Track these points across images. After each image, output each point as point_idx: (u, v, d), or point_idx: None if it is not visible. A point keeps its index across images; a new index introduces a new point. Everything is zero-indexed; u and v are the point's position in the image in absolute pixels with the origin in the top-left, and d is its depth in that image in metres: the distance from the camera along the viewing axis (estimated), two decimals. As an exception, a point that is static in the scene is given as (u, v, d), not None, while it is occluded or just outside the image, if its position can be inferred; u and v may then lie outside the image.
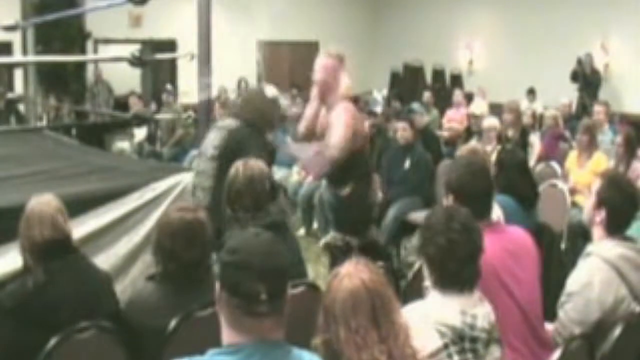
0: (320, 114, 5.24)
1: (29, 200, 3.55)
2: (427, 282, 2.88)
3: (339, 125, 4.96)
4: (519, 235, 3.53)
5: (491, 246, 2.99)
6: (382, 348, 2.31)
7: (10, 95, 12.15)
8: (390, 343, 2.33)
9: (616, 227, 3.57)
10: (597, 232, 3.60)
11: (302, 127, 5.37)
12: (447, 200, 3.48)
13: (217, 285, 2.20)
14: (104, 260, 4.67)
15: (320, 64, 5.17)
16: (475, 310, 2.75)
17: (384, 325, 2.34)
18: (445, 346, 2.67)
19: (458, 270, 2.78)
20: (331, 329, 2.34)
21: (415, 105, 10.71)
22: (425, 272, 2.89)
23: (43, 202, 3.46)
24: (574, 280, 3.47)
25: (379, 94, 15.83)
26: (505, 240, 3.38)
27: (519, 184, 5.11)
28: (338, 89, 5.13)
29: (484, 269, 2.87)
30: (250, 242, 2.24)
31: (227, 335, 2.19)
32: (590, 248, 3.57)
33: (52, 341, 3.04)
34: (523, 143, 8.53)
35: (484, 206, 3.46)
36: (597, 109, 9.73)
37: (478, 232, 2.86)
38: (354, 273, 2.37)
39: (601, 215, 3.55)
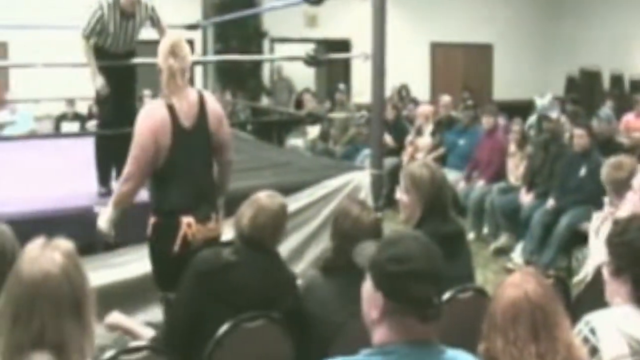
0: None
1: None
2: (617, 297, 2.73)
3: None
4: None
5: None
6: None
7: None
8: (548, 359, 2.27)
9: None
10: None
11: None
12: None
13: (377, 292, 2.15)
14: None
15: None
16: None
17: (543, 340, 2.27)
18: None
19: None
20: (491, 337, 2.31)
21: (603, 113, 10.33)
22: (618, 285, 2.73)
23: (271, 197, 3.59)
24: None
25: (546, 100, 15.32)
26: None
27: None
28: None
29: None
30: (413, 248, 2.18)
31: (381, 334, 2.17)
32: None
33: (222, 329, 3.13)
34: None
35: None
36: None
37: None
38: (519, 283, 2.34)
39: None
